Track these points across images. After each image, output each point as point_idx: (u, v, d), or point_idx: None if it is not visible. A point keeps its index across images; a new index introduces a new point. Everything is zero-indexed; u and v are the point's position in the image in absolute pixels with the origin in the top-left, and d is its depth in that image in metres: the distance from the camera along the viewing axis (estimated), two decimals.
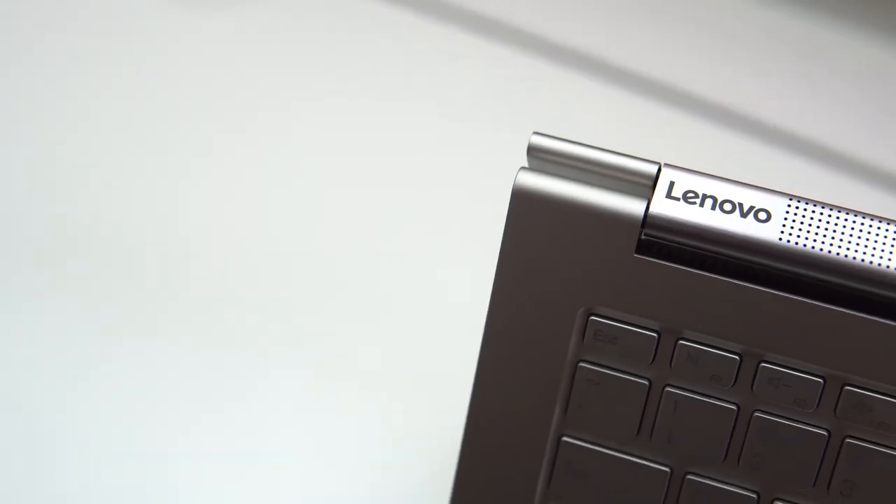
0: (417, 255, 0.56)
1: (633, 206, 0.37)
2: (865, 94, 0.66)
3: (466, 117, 0.63)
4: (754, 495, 0.39)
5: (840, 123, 0.64)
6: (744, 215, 0.37)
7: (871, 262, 0.36)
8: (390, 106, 0.63)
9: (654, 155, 0.40)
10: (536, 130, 0.39)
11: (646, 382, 0.39)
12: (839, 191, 0.60)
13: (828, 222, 0.36)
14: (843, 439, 0.38)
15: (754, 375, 0.38)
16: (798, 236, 0.36)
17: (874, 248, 0.36)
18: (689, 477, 0.39)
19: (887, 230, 0.36)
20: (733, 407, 0.38)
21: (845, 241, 0.36)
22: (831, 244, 0.36)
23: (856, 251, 0.36)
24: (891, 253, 0.36)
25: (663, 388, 0.39)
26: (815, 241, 0.36)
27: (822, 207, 0.37)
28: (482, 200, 0.50)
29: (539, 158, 0.38)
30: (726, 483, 0.39)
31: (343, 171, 0.60)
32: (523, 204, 0.38)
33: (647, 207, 0.37)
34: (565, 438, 0.40)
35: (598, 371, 0.39)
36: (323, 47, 0.66)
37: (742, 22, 0.69)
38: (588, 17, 0.69)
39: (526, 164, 0.39)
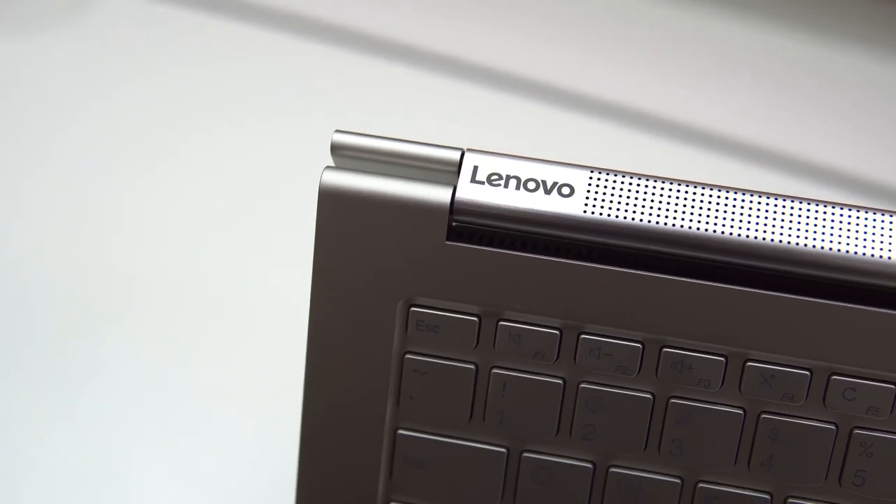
0: (244, 258, 0.56)
1: (439, 194, 0.38)
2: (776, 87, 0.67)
3: (280, 114, 0.62)
4: (590, 465, 0.39)
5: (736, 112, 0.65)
6: (548, 192, 0.37)
7: (674, 226, 0.36)
8: (198, 109, 0.63)
9: (486, 143, 0.40)
10: (338, 128, 0.39)
11: (472, 367, 0.39)
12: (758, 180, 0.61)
13: (630, 191, 0.37)
14: (668, 400, 0.38)
15: (576, 348, 0.38)
16: (602, 207, 0.37)
17: (676, 212, 0.37)
18: (525, 455, 0.40)
19: (686, 192, 0.37)
20: (559, 381, 0.39)
21: (647, 207, 0.37)
22: (634, 212, 0.37)
23: (658, 216, 0.37)
24: (692, 214, 0.37)
25: (490, 370, 0.39)
26: (618, 210, 0.37)
27: (624, 177, 0.37)
28: (304, 199, 0.50)
29: (343, 156, 0.38)
30: (562, 456, 0.39)
31: (160, 177, 0.59)
32: (331, 203, 0.38)
33: (453, 194, 0.37)
34: (401, 431, 0.40)
35: (424, 361, 0.39)
36: (125, 56, 0.65)
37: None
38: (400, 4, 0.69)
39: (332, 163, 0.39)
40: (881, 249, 0.36)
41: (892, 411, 0.37)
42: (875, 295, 0.36)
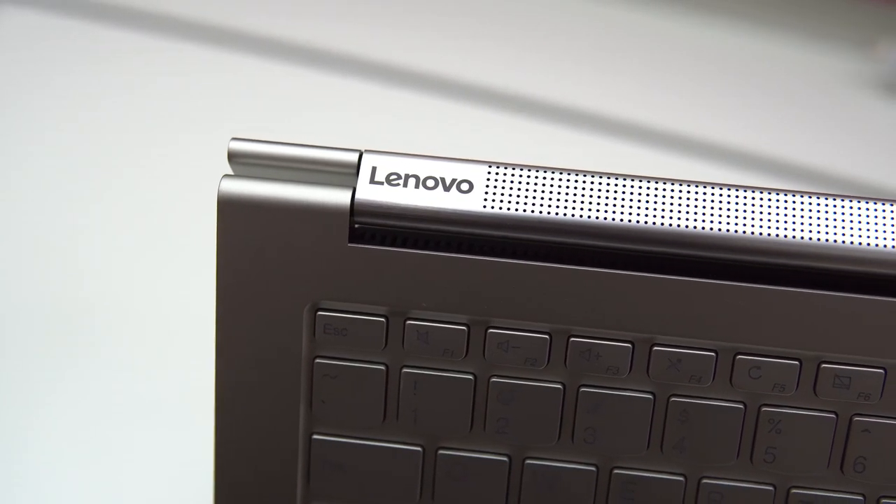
0: (151, 273, 0.55)
1: (338, 197, 0.37)
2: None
3: (176, 123, 0.62)
4: (506, 458, 0.40)
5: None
6: (447, 189, 0.37)
7: (573, 216, 0.37)
8: (94, 121, 0.62)
9: (398, 144, 0.40)
10: (234, 136, 0.38)
11: (382, 368, 0.39)
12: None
13: (529, 184, 0.37)
14: (578, 389, 0.39)
15: (484, 343, 0.38)
16: (501, 201, 0.37)
17: (574, 202, 0.37)
18: (441, 452, 0.40)
19: (583, 182, 0.37)
20: (470, 377, 0.39)
21: (546, 199, 0.37)
22: (534, 204, 0.37)
23: (557, 208, 0.37)
24: (589, 204, 0.37)
25: (400, 370, 0.39)
26: (518, 203, 0.37)
27: (522, 169, 0.37)
28: (206, 209, 0.50)
29: (241, 163, 0.38)
30: (477, 451, 0.40)
31: (54, 192, 0.58)
32: (231, 211, 0.38)
33: (353, 196, 0.37)
34: (316, 435, 0.40)
35: (334, 364, 0.39)
36: (23, 70, 0.65)
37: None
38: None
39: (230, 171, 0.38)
40: (776, 228, 0.36)
41: (797, 387, 0.38)
42: (771, 273, 0.37)
